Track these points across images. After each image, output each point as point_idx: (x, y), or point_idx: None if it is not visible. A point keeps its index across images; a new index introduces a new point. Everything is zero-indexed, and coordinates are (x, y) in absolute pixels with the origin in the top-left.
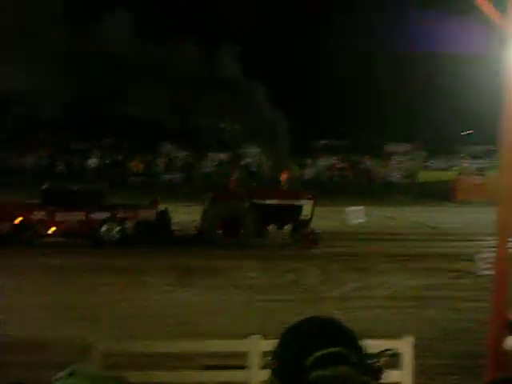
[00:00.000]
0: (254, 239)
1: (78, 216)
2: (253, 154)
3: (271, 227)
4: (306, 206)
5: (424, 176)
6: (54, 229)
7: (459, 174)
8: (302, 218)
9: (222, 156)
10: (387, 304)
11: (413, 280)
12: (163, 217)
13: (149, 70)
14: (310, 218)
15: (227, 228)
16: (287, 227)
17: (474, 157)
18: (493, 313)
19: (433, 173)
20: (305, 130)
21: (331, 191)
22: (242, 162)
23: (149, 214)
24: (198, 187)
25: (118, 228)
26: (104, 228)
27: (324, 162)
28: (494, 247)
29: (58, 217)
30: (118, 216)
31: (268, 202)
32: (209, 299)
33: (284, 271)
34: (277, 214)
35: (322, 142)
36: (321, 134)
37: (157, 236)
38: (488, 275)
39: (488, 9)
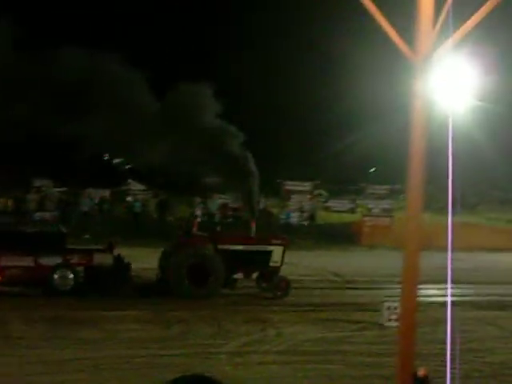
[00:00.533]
0: (221, 289)
1: (25, 261)
2: (138, 191)
3: (238, 275)
4: (276, 252)
5: (325, 217)
6: None
7: (364, 215)
8: (272, 264)
9: (104, 193)
10: (283, 359)
11: (313, 332)
12: (120, 262)
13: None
14: (280, 265)
15: (194, 277)
16: (255, 275)
17: (379, 197)
18: (399, 369)
19: (334, 214)
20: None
21: None
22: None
23: (105, 259)
24: (74, 227)
25: (71, 275)
26: (57, 275)
27: (215, 201)
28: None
29: (4, 262)
30: (71, 261)
31: (234, 247)
32: (84, 355)
33: (173, 322)
34: (244, 260)
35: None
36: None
37: (115, 284)
38: (395, 327)
39: (397, 40)
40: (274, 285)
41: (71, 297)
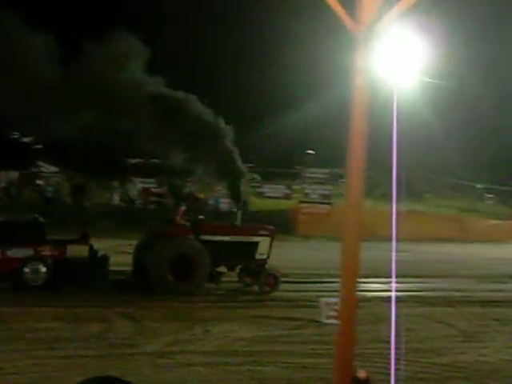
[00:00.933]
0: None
1: None
2: (50, 174)
3: (221, 269)
4: (263, 243)
5: (258, 204)
6: None
7: (300, 202)
8: (258, 256)
9: (12, 175)
10: (211, 360)
11: (244, 331)
12: (95, 254)
13: None
14: (267, 257)
15: (178, 271)
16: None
17: (318, 182)
18: (337, 371)
19: (268, 200)
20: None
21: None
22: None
23: (80, 251)
24: None
25: (44, 269)
26: (28, 269)
27: (134, 185)
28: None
29: None
30: (42, 253)
31: (218, 238)
32: None
33: (92, 319)
34: (228, 252)
35: (134, 160)
36: (131, 150)
37: (90, 277)
38: (334, 324)
39: (338, 9)
40: (262, 279)
41: None
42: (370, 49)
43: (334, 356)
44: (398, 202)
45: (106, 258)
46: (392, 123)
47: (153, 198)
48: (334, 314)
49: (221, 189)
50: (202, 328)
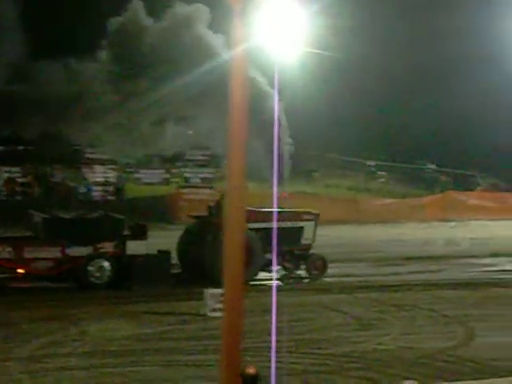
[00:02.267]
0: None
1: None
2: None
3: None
4: (308, 228)
5: (134, 190)
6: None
7: (180, 187)
8: (304, 242)
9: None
10: (88, 363)
11: (125, 329)
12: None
13: None
14: (313, 242)
15: None
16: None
17: (199, 165)
18: (224, 367)
19: (145, 186)
20: None
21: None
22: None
23: (139, 248)
24: None
25: (109, 267)
26: (92, 267)
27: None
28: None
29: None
30: (101, 251)
31: (264, 224)
32: None
33: None
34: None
35: None
36: None
37: (155, 276)
38: (220, 317)
39: None
40: (310, 264)
41: None
42: (249, 19)
43: (221, 351)
44: (286, 182)
45: (168, 253)
46: (274, 97)
47: (18, 188)
48: (219, 305)
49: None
50: (78, 328)
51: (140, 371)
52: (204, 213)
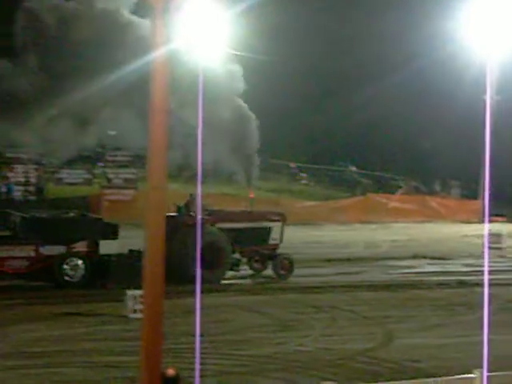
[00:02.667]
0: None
1: (25, 251)
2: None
3: (236, 255)
4: (275, 228)
5: (55, 191)
6: None
7: (102, 187)
8: (272, 242)
9: None
10: (6, 365)
11: (45, 330)
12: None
13: None
14: (280, 242)
15: (204, 260)
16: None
17: (121, 166)
18: (144, 369)
19: (67, 187)
20: None
21: None
22: None
23: (111, 247)
24: None
25: (83, 265)
26: (67, 265)
27: None
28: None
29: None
30: (74, 250)
31: (233, 225)
32: None
33: None
34: (243, 238)
35: None
36: None
37: (127, 274)
38: (140, 318)
39: None
40: (278, 264)
41: None
42: (170, 21)
43: (141, 353)
44: (207, 184)
45: (139, 252)
46: (198, 98)
47: None
48: (140, 307)
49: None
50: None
51: (59, 372)
52: (173, 213)
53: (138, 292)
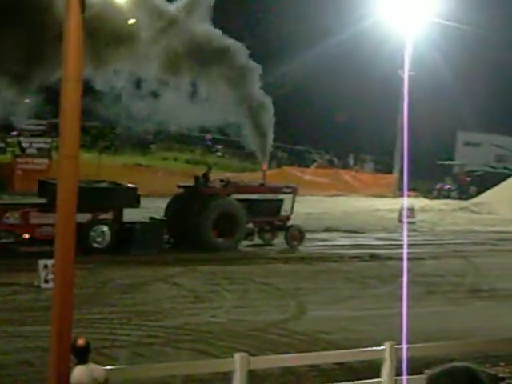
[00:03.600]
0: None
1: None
2: None
3: (249, 225)
4: (287, 200)
5: None
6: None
7: (15, 156)
8: (283, 213)
9: None
10: None
11: None
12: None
13: None
14: (291, 214)
15: (220, 228)
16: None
17: (35, 135)
18: (55, 338)
19: None
20: None
21: None
22: None
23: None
24: None
25: (109, 232)
26: (94, 232)
27: None
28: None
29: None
30: (100, 218)
31: (249, 196)
32: None
33: None
34: (258, 210)
35: None
36: None
37: (150, 241)
38: (51, 288)
39: None
40: (289, 234)
41: None
42: None
43: (52, 322)
44: (123, 155)
45: (161, 221)
46: None
47: None
48: (52, 276)
49: None
50: None
51: None
52: (191, 183)
53: (50, 262)
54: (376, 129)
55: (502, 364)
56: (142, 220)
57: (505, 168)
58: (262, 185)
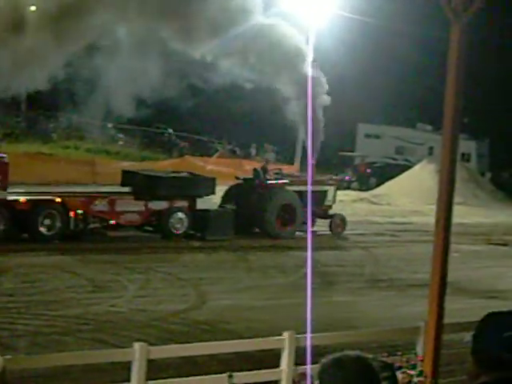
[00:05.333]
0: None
1: (138, 206)
2: None
3: None
4: (330, 191)
5: None
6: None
7: None
8: (326, 203)
9: None
10: None
11: None
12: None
13: None
14: (333, 203)
15: (282, 217)
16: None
17: None
18: None
19: None
20: None
21: None
22: None
23: (207, 204)
24: None
25: (186, 219)
26: (172, 219)
27: None
28: None
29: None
30: (176, 205)
31: (301, 188)
32: None
33: None
34: (304, 200)
35: None
36: None
37: (223, 228)
38: None
39: None
40: (332, 222)
41: None
42: None
43: None
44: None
45: (232, 209)
46: None
47: None
48: None
49: None
50: None
51: None
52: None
53: None
54: (279, 119)
55: (398, 353)
56: (214, 208)
57: (405, 160)
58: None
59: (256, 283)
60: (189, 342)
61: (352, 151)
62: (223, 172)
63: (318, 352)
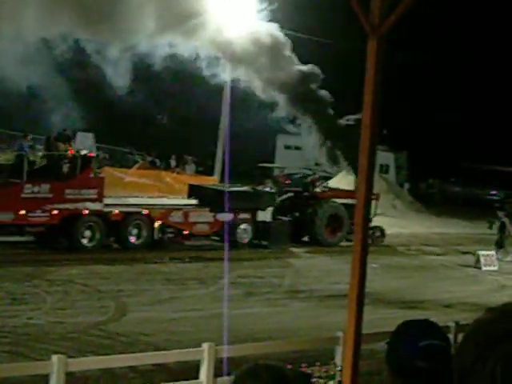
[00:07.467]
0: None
1: (207, 217)
2: None
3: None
4: (371, 206)
5: None
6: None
7: None
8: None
9: None
10: None
11: None
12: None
13: None
14: (373, 216)
15: (330, 227)
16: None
17: None
18: None
19: None
20: None
21: None
22: None
23: (266, 215)
24: None
25: (250, 230)
26: (239, 230)
27: None
28: None
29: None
30: (241, 217)
31: (344, 201)
32: None
33: None
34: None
35: None
36: None
37: (282, 238)
38: None
39: None
40: (373, 233)
41: None
42: None
43: None
44: None
45: (289, 221)
46: None
47: None
48: None
49: None
50: None
51: None
52: (298, 188)
53: None
54: (199, 131)
55: (317, 364)
56: (273, 220)
57: (323, 171)
58: (352, 191)
59: (175, 294)
60: (108, 354)
61: (272, 162)
62: (143, 184)
63: (237, 363)
